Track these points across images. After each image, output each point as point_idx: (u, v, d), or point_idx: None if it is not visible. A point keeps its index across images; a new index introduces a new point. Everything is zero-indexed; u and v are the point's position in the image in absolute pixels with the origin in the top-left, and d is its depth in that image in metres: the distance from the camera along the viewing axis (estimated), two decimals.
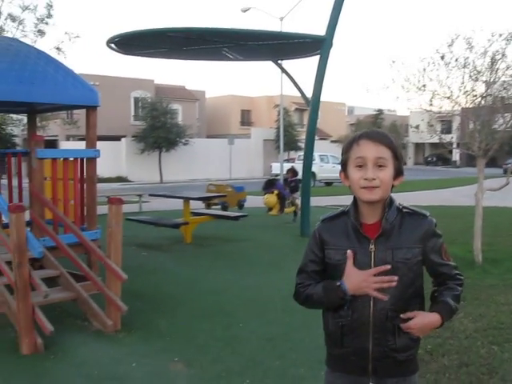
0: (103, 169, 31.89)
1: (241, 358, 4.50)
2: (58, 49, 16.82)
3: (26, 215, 6.88)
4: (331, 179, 31.26)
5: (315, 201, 18.15)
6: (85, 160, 6.80)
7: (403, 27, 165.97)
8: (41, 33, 17.49)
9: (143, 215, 12.97)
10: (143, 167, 34.81)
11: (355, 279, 1.98)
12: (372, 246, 2.02)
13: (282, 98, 34.25)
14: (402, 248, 2.01)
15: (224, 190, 15.63)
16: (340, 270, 2.05)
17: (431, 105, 8.25)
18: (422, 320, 1.99)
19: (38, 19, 17.31)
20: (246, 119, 49.94)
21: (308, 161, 10.96)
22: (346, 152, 2.04)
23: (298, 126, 42.29)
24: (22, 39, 17.11)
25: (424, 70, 7.69)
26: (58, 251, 6.03)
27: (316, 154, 31.32)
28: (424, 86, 8.02)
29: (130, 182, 33.85)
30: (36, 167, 6.32)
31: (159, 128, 32.88)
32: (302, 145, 35.11)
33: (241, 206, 15.85)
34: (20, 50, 6.20)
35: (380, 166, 1.97)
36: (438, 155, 55.31)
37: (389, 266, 1.97)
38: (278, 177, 22.17)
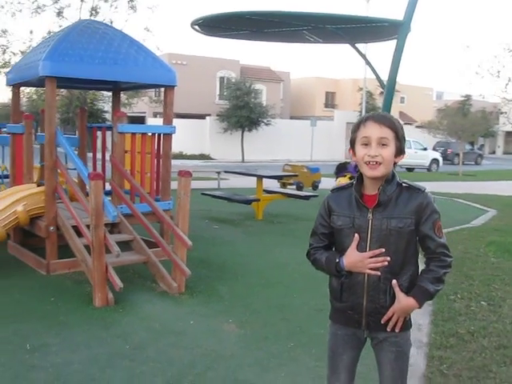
0: (187, 146, 33.04)
1: (289, 324, 4.85)
2: (146, 29, 17.57)
3: (107, 185, 7.51)
4: (413, 165, 30.78)
5: None
6: (162, 136, 7.29)
7: (481, 13, 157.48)
8: (133, 8, 18.23)
9: (220, 191, 13.50)
10: (226, 146, 35.58)
11: (353, 259, 2.30)
12: (370, 215, 2.30)
13: (368, 81, 33.94)
14: (395, 217, 2.27)
15: (299, 170, 15.91)
16: (342, 234, 2.36)
17: (505, 91, 8.18)
18: (398, 306, 2.29)
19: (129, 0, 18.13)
20: (330, 101, 49.71)
21: None
22: (354, 132, 2.34)
23: None
24: (115, 16, 18.09)
25: (497, 56, 7.63)
26: (134, 218, 6.56)
27: None
28: (498, 72, 7.96)
29: (213, 159, 34.75)
30: (117, 141, 6.88)
31: (242, 107, 33.43)
32: None
33: (315, 186, 16.08)
34: (106, 33, 6.73)
35: (383, 144, 2.25)
36: None
37: (383, 250, 2.26)
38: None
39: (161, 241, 6.02)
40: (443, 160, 33.92)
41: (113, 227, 6.68)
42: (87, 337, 4.41)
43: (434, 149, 36.38)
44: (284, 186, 15.59)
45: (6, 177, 8.01)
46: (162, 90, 7.57)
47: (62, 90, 18.07)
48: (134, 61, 6.66)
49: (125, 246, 6.33)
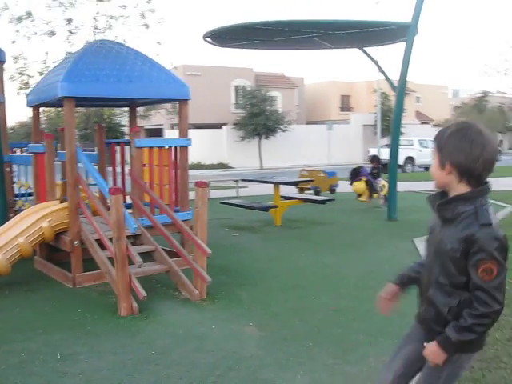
0: (205, 156, 33.36)
1: (307, 325, 5.01)
2: (158, 43, 17.95)
3: (127, 198, 7.73)
4: (431, 164, 30.69)
5: (411, 186, 18.17)
6: (178, 148, 7.51)
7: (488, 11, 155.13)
8: (146, 26, 18.67)
9: (239, 199, 13.70)
10: (244, 154, 35.85)
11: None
12: (438, 229, 2.33)
13: (382, 82, 33.91)
14: (449, 239, 2.22)
15: (316, 175, 16.04)
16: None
17: None
18: (427, 350, 2.28)
19: (140, 15, 18.55)
20: (346, 104, 49.77)
21: (394, 146, 11.15)
22: None
23: None
24: (128, 33, 18.61)
25: (502, 54, 7.73)
26: (154, 230, 6.78)
27: (415, 139, 30.99)
28: (506, 69, 8.04)
29: (231, 168, 35.00)
30: (135, 155, 7.11)
31: (258, 115, 33.68)
32: (403, 129, 34.57)
33: (332, 190, 16.20)
34: (120, 52, 6.98)
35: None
36: None
37: None
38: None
39: (181, 250, 6.22)
40: None
41: (135, 239, 6.90)
42: (114, 344, 4.62)
43: None
44: (302, 191, 15.74)
45: (30, 195, 8.29)
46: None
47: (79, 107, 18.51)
48: (148, 77, 6.89)
49: (147, 256, 6.55)
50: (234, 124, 35.92)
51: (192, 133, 7.63)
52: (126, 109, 22.09)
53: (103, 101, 8.04)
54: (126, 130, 34.70)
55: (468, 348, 2.26)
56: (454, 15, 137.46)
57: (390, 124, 38.60)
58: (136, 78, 6.77)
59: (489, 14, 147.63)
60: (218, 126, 36.89)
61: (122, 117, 25.30)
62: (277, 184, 11.06)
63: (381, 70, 11.41)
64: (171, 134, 36.56)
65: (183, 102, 7.35)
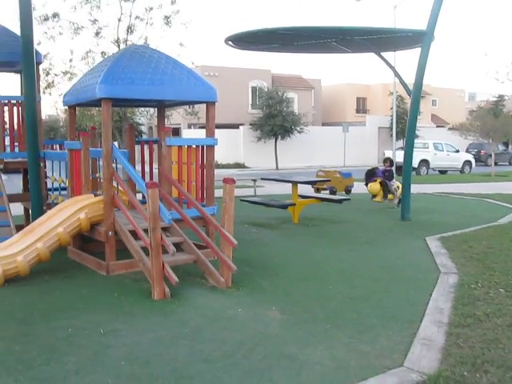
0: (222, 155, 33.87)
1: (326, 310, 5.47)
2: (180, 44, 18.43)
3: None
4: (445, 167, 31.04)
5: (425, 188, 18.56)
6: (205, 147, 8.00)
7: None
8: (168, 24, 19.07)
9: (257, 198, 14.17)
10: (260, 154, 36.34)
11: None
12: None
13: (398, 85, 34.22)
14: None
15: (332, 175, 16.49)
16: None
17: None
18: None
19: (165, 17, 19.05)
20: (362, 107, 50.08)
21: (409, 148, 11.56)
22: None
23: None
24: (151, 34, 19.09)
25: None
26: (182, 223, 7.26)
27: (430, 142, 31.29)
28: None
29: (247, 168, 35.51)
30: (165, 153, 7.62)
31: (275, 116, 34.16)
32: (418, 133, 35.00)
33: (348, 191, 16.64)
34: (153, 57, 7.48)
35: None
36: None
37: None
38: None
39: (209, 241, 6.71)
40: (477, 161, 34.06)
41: (164, 231, 7.40)
42: (150, 323, 5.12)
43: (467, 150, 36.54)
44: (318, 191, 16.21)
45: (64, 189, 8.81)
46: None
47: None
48: (179, 81, 7.39)
49: (176, 247, 7.03)
50: (251, 124, 36.43)
51: None
52: (146, 108, 22.94)
53: (135, 102, 8.57)
54: (143, 128, 35.51)
55: None
56: (472, 19, 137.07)
57: (405, 127, 38.82)
58: (168, 81, 7.27)
59: (504, 21, 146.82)
60: (234, 126, 37.41)
61: (141, 116, 25.93)
62: (295, 183, 11.53)
63: (397, 75, 11.82)
64: (188, 133, 37.22)
65: (211, 103, 7.84)
